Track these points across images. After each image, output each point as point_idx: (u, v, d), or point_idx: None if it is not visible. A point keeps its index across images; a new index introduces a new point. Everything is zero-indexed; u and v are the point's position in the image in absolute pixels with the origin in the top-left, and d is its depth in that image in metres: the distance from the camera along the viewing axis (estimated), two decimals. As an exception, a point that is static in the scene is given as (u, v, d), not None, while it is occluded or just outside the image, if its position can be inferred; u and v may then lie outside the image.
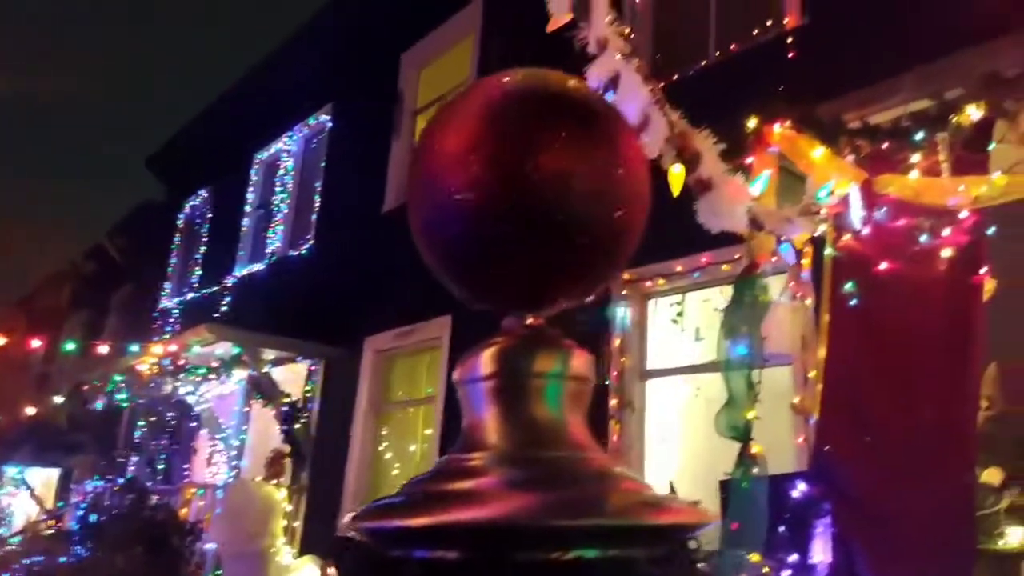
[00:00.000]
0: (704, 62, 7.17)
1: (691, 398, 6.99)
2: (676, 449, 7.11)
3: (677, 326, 7.07)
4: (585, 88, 0.88)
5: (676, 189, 2.38)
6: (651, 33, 7.94)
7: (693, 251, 6.42)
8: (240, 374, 10.61)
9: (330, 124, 11.83)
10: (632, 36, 6.84)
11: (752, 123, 4.44)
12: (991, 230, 3.89)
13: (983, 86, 3.64)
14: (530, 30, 2.43)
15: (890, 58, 4.13)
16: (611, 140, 0.88)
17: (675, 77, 7.30)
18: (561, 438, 1.01)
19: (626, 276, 7.21)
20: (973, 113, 3.70)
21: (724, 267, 6.13)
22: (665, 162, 2.36)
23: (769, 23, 6.63)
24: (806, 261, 4.60)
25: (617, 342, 7.18)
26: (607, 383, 6.99)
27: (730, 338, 4.31)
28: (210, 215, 15.00)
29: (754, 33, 6.74)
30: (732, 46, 6.96)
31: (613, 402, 7.04)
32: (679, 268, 6.77)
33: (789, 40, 6.10)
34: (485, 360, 1.03)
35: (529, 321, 1.04)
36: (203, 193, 15.35)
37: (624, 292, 7.26)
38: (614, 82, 1.99)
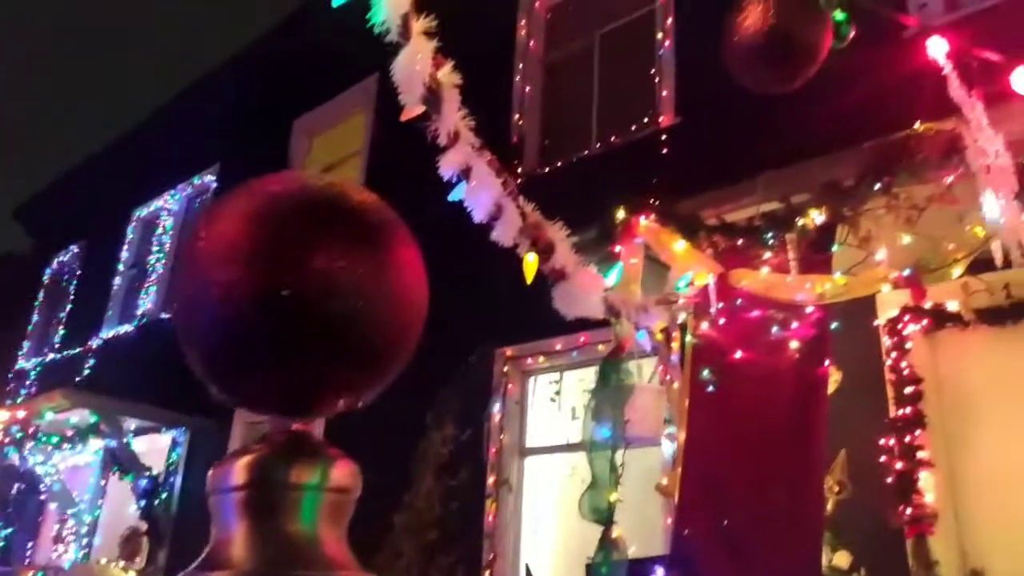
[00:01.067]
0: (587, 151, 7.51)
1: (567, 477, 7.02)
2: (552, 529, 7.08)
3: (555, 404, 7.15)
4: (362, 194, 0.89)
5: (529, 276, 2.44)
6: (539, 121, 8.28)
7: (572, 330, 6.56)
8: (97, 444, 9.87)
9: (215, 184, 11.55)
10: (521, 123, 7.09)
11: (621, 214, 4.66)
12: (834, 325, 4.17)
13: (824, 193, 3.97)
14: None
15: (746, 162, 4.45)
16: (385, 246, 0.89)
17: (559, 164, 7.63)
18: (315, 556, 0.97)
19: (508, 352, 7.30)
20: (816, 217, 4.01)
21: (600, 347, 6.28)
22: (520, 251, 2.42)
23: (646, 120, 7.05)
24: (676, 344, 4.80)
25: (497, 418, 7.18)
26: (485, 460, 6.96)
27: (595, 420, 4.39)
28: (79, 271, 14.15)
29: (632, 128, 7.14)
30: (612, 138, 7.33)
31: (491, 480, 6.99)
32: (559, 346, 6.90)
33: (663, 137, 6.50)
34: (237, 469, 0.98)
35: (294, 427, 1.01)
36: (74, 248, 14.51)
37: (505, 369, 7.32)
38: (466, 173, 2.05)
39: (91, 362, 12.10)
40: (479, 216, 2.15)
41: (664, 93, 6.96)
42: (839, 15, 2.72)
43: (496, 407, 7.13)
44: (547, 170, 7.77)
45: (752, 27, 2.53)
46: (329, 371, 0.90)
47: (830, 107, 4.27)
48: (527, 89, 8.33)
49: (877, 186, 3.85)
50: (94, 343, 12.30)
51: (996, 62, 3.01)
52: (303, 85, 10.46)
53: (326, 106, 10.18)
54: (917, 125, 3.71)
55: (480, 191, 2.07)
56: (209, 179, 11.77)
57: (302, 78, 10.44)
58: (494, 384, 7.23)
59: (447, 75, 1.87)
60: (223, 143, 11.40)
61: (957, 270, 3.83)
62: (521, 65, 8.41)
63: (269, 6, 9.96)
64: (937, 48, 3.03)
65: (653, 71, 7.19)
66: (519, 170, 7.91)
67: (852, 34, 2.76)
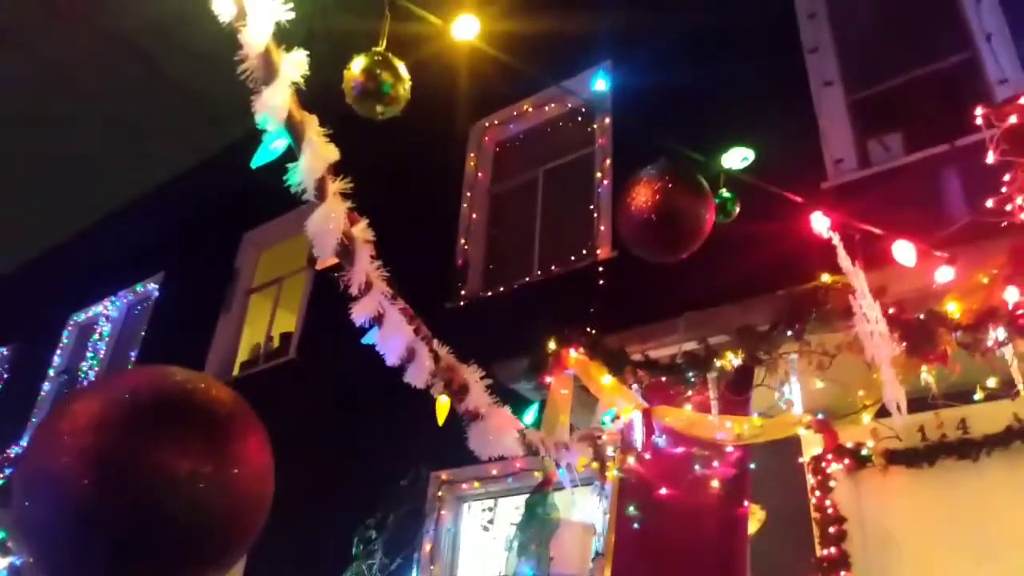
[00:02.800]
0: (528, 278, 7.73)
1: (498, 612, 6.78)
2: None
3: (488, 533, 6.99)
4: (208, 389, 0.94)
5: (441, 418, 2.49)
6: (484, 247, 8.54)
7: (508, 456, 6.53)
8: (3, 562, 9.20)
9: (157, 293, 11.45)
10: (466, 247, 7.29)
11: (553, 345, 4.79)
12: (754, 465, 4.26)
13: (740, 336, 4.16)
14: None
15: (670, 301, 4.65)
16: (231, 442, 0.94)
17: (501, 289, 7.82)
18: None
19: (443, 476, 7.18)
20: (734, 359, 4.18)
21: (537, 474, 6.24)
22: (433, 391, 2.48)
23: (584, 252, 7.33)
24: (611, 474, 4.82)
25: (428, 547, 6.97)
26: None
27: (520, 555, 4.33)
28: (6, 375, 13.63)
29: (571, 259, 7.40)
30: (553, 267, 7.58)
31: (421, 614, 6.71)
32: (494, 472, 6.81)
33: (599, 270, 6.75)
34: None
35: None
36: (2, 351, 14.03)
37: (440, 494, 7.17)
38: (378, 320, 2.14)
39: (7, 471, 11.44)
40: (391, 360, 2.22)
41: (602, 228, 7.28)
42: (725, 194, 2.98)
43: (428, 535, 6.94)
44: (490, 294, 7.94)
45: (642, 204, 2.75)
46: (168, 568, 0.91)
47: (746, 256, 4.55)
48: (474, 216, 8.63)
49: (789, 332, 4.05)
50: (13, 451, 11.68)
51: (879, 234, 3.29)
52: (255, 199, 10.62)
53: (276, 221, 10.33)
54: (824, 277, 3.97)
55: (391, 337, 2.15)
56: (152, 287, 11.67)
57: (255, 192, 10.62)
58: (427, 509, 7.07)
59: (361, 231, 1.99)
60: (169, 251, 11.41)
61: (866, 416, 3.99)
62: (469, 194, 8.74)
63: (232, 121, 10.23)
64: (820, 223, 3.31)
65: (592, 207, 7.54)
66: (462, 292, 8.09)
67: (738, 211, 3.01)
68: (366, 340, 2.23)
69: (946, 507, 5.57)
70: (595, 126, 7.86)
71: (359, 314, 2.08)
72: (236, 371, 10.04)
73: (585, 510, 4.83)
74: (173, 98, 10.46)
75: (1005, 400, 4.11)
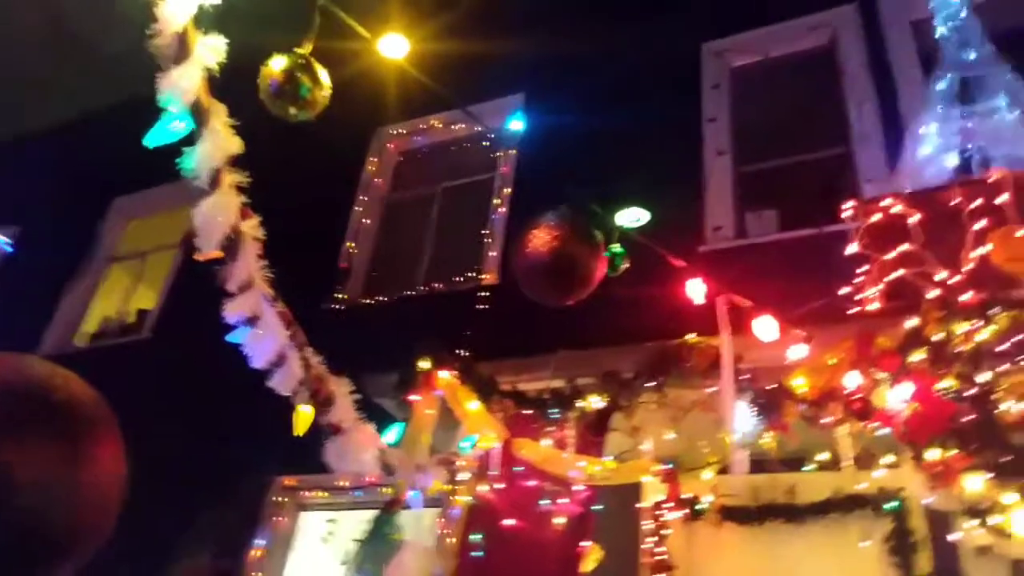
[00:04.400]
0: (411, 292, 7.68)
1: (325, 628, 6.60)
2: None
3: (327, 546, 6.81)
4: (76, 388, 0.90)
5: (300, 429, 2.43)
6: (371, 253, 8.43)
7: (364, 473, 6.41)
8: None
9: (10, 250, 10.56)
10: (353, 251, 7.16)
11: (425, 363, 4.77)
12: (599, 507, 4.40)
13: (605, 381, 4.31)
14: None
15: (546, 337, 4.76)
16: (78, 440, 0.90)
17: (382, 298, 7.73)
18: None
19: (288, 482, 6.96)
20: (596, 401, 4.32)
21: (387, 491, 6.16)
22: (297, 400, 2.42)
23: (471, 274, 7.38)
24: (461, 499, 4.83)
25: (258, 553, 6.71)
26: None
27: (356, 573, 4.25)
28: None
29: (457, 279, 7.43)
30: (437, 284, 7.58)
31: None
32: (342, 482, 6.66)
33: (482, 294, 6.79)
34: None
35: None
36: None
37: (280, 499, 6.94)
38: (252, 321, 2.07)
39: None
40: (257, 363, 2.15)
41: (492, 254, 7.36)
42: (616, 249, 3.12)
43: (261, 540, 6.68)
44: (369, 302, 7.83)
45: (539, 247, 2.84)
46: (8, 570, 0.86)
47: (623, 306, 4.72)
48: (365, 221, 8.51)
49: (651, 383, 4.24)
50: None
51: (749, 303, 3.53)
52: (133, 165, 10.02)
53: (152, 191, 9.76)
54: (690, 336, 4.18)
55: (264, 339, 2.09)
56: (3, 240, 10.73)
57: (135, 158, 10.03)
58: (264, 513, 6.81)
59: (250, 227, 1.93)
60: (32, 205, 10.53)
61: (708, 472, 4.21)
62: (364, 198, 8.62)
63: (125, 85, 9.62)
64: (696, 289, 3.52)
65: (486, 231, 7.61)
66: (342, 296, 7.94)
67: (626, 266, 3.16)
68: (233, 338, 2.15)
69: (770, 565, 5.95)
70: (500, 154, 7.97)
71: (233, 312, 2.00)
72: (83, 341, 9.37)
73: (429, 533, 4.82)
74: (67, 50, 9.75)
75: (831, 472, 4.44)
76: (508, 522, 4.35)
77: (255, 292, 2.02)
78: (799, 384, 3.93)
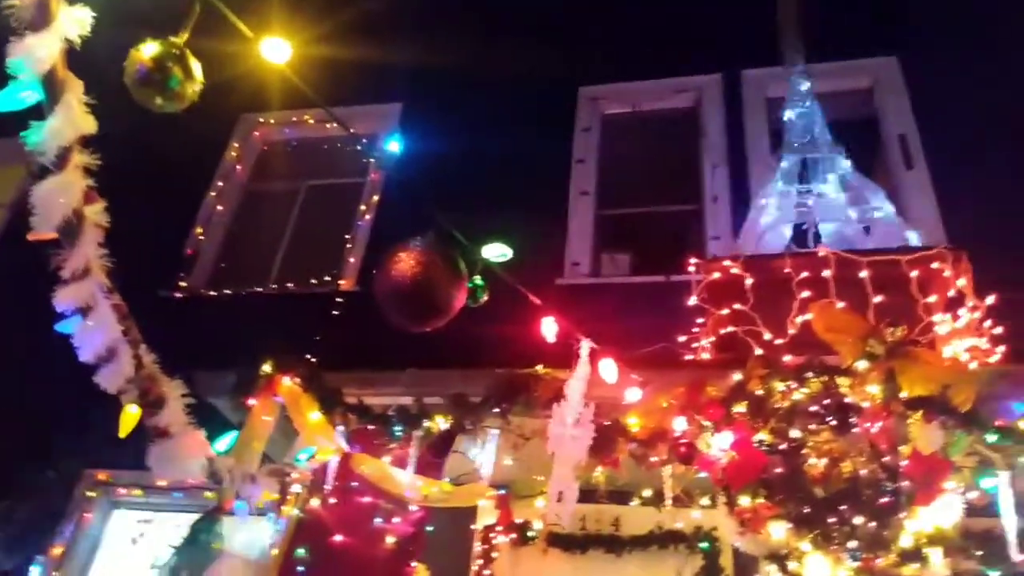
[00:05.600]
0: (261, 289, 7.38)
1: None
2: None
3: (137, 547, 6.36)
4: None
5: (125, 430, 2.28)
6: (222, 243, 8.03)
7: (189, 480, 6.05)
8: None
9: None
10: (201, 238, 6.81)
11: (268, 367, 4.59)
12: (430, 528, 4.40)
13: (453, 402, 4.33)
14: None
15: (397, 353, 4.71)
16: None
17: (228, 292, 7.37)
18: None
19: (100, 476, 6.45)
20: (442, 423, 4.33)
21: (211, 496, 5.84)
22: (124, 399, 2.27)
23: (328, 278, 7.19)
24: (290, 511, 4.65)
25: (58, 551, 6.16)
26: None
27: (167, 581, 4.02)
28: None
29: (312, 281, 7.22)
30: (290, 284, 7.33)
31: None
32: (162, 482, 6.24)
33: (338, 300, 6.64)
34: None
35: None
36: None
37: (89, 494, 6.41)
38: (84, 312, 1.92)
39: None
40: (85, 356, 1.99)
41: (351, 260, 7.22)
42: (478, 281, 3.18)
43: (62, 537, 6.15)
44: (213, 294, 7.44)
45: (403, 271, 2.84)
46: None
47: (478, 329, 4.77)
48: (219, 208, 8.11)
49: (497, 409, 4.31)
50: None
51: (592, 345, 3.69)
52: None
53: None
54: (539, 368, 4.29)
55: (96, 332, 1.94)
56: None
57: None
58: (69, 509, 6.27)
59: (94, 212, 1.80)
60: None
61: (541, 500, 4.32)
62: (221, 184, 8.22)
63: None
64: (548, 328, 3.64)
65: (348, 236, 7.47)
66: (183, 284, 7.49)
67: (486, 299, 3.22)
68: (61, 327, 1.99)
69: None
70: (372, 160, 7.87)
71: (64, 300, 1.85)
72: None
73: (252, 543, 4.61)
74: None
75: (653, 509, 4.69)
76: (337, 538, 4.25)
77: (90, 281, 1.88)
78: (632, 423, 4.13)
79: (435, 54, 8.01)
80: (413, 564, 4.34)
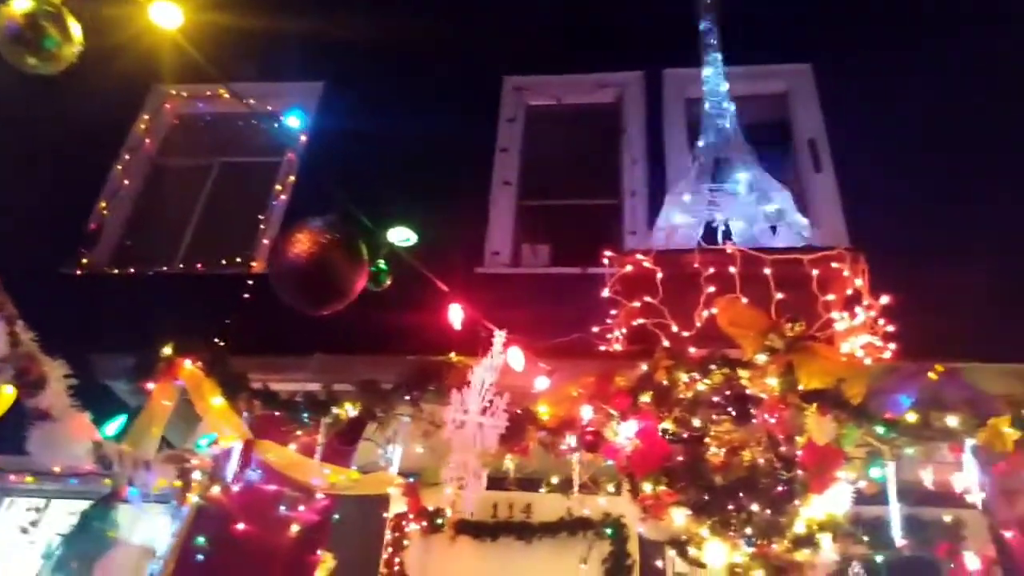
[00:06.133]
0: (166, 268, 7.10)
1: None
2: None
3: (27, 537, 6.04)
4: None
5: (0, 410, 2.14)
6: (128, 218, 7.69)
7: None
8: None
9: None
10: (105, 212, 6.48)
11: (168, 350, 4.42)
12: (337, 517, 4.33)
13: (363, 389, 4.26)
14: None
15: (306, 339, 4.61)
16: None
17: (131, 270, 7.07)
18: None
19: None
20: (351, 409, 4.26)
21: (106, 482, 5.59)
22: None
23: (239, 259, 6.97)
24: (190, 499, 4.49)
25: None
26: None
27: (57, 569, 3.83)
28: None
29: (222, 262, 6.98)
30: (199, 264, 7.07)
31: None
32: (56, 468, 5.94)
33: (248, 282, 6.43)
34: None
35: None
36: None
37: (-25, 480, 6.05)
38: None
39: None
40: (-46, 333, 1.86)
41: (265, 241, 7.02)
42: (382, 265, 3.13)
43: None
44: (116, 271, 7.11)
45: (300, 251, 2.76)
46: None
47: (390, 316, 4.72)
48: (126, 182, 7.75)
49: (408, 396, 4.27)
50: None
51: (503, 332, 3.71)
52: None
53: None
54: (451, 355, 4.27)
55: (-35, 307, 1.81)
56: None
57: None
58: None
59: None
60: None
61: (449, 488, 4.31)
62: (128, 157, 7.85)
63: None
64: (455, 315, 3.63)
65: (262, 217, 7.25)
66: (85, 261, 7.13)
67: (389, 283, 3.17)
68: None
69: (499, 578, 6.22)
70: (288, 138, 7.64)
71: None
72: None
73: (149, 531, 4.44)
74: None
75: (562, 496, 4.75)
76: (238, 527, 4.13)
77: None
78: (542, 412, 4.17)
79: (361, 34, 7.85)
80: (318, 553, 4.26)
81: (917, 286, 4.72)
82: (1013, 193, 6.05)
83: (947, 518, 5.10)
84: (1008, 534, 4.38)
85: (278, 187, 7.35)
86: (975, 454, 3.85)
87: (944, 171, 6.31)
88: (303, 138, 7.46)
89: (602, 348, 5.11)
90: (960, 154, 6.40)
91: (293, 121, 2.70)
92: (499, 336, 3.77)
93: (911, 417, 3.77)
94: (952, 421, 3.79)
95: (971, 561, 4.96)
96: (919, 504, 4.60)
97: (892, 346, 4.48)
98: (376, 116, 7.22)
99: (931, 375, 3.96)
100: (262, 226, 7.18)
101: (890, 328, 4.50)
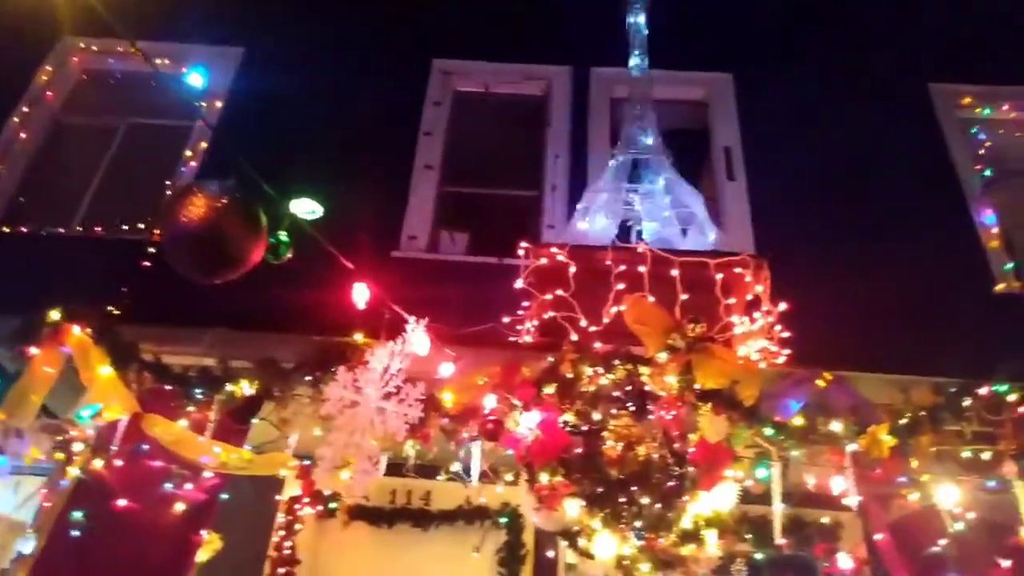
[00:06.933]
0: (63, 229, 6.72)
1: None
2: None
3: None
4: None
5: None
6: (23, 174, 7.24)
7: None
8: None
9: None
10: (3, 169, 6.05)
11: (56, 315, 4.19)
12: (225, 495, 4.20)
13: (262, 367, 4.14)
14: None
15: (204, 311, 4.44)
16: None
17: (23, 230, 6.66)
18: None
19: None
20: (247, 387, 4.13)
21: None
22: None
23: (141, 225, 6.64)
24: (70, 473, 4.26)
25: None
26: None
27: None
28: None
29: (123, 227, 6.65)
30: (98, 228, 6.71)
31: None
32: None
33: (149, 249, 6.13)
34: None
35: None
36: None
37: None
38: None
39: None
40: None
41: (171, 208, 6.72)
42: (283, 237, 3.02)
43: None
44: (7, 230, 6.68)
45: (191, 216, 2.65)
46: None
47: (297, 294, 4.59)
48: (23, 136, 7.28)
49: (309, 377, 4.17)
50: None
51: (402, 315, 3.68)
52: None
53: None
54: (357, 337, 4.20)
55: None
56: None
57: None
58: None
59: None
60: None
61: (346, 472, 4.24)
62: (27, 109, 7.38)
63: None
64: (359, 294, 3.57)
65: (169, 183, 6.94)
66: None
67: (289, 256, 3.07)
68: None
69: (393, 566, 6.18)
70: (204, 104, 7.33)
71: None
72: None
73: (18, 502, 4.21)
74: None
75: (461, 484, 4.74)
76: (119, 503, 3.94)
77: None
78: (446, 399, 4.15)
79: (285, 3, 7.61)
80: (203, 533, 4.12)
81: (814, 296, 4.93)
82: (908, 214, 6.40)
83: (825, 520, 5.37)
84: (879, 536, 4.64)
85: (188, 153, 7.04)
86: (854, 459, 4.05)
87: (848, 188, 6.61)
88: (218, 104, 7.19)
89: (512, 339, 5.12)
90: (864, 174, 6.71)
91: (195, 79, 2.54)
92: (412, 323, 3.73)
93: (798, 421, 3.93)
94: (836, 427, 3.98)
95: (844, 561, 5.23)
96: (801, 505, 4.82)
97: (786, 352, 4.65)
98: (297, 88, 7.02)
99: (820, 382, 4.15)
100: (168, 192, 6.86)
101: (786, 335, 4.67)
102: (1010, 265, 6.45)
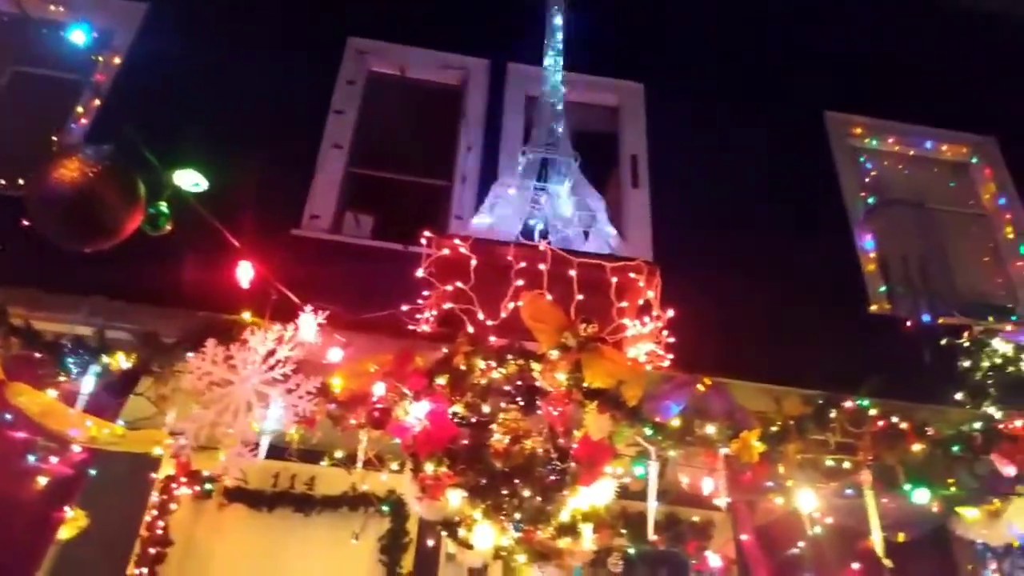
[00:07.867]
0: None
1: None
2: None
3: None
4: None
5: None
6: None
7: None
8: None
9: None
10: None
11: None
12: (93, 472, 4.01)
13: (142, 341, 3.96)
14: None
15: (84, 278, 4.21)
16: None
17: None
18: None
19: None
20: (124, 360, 3.94)
21: None
22: None
23: (22, 182, 6.22)
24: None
25: None
26: None
27: None
28: None
29: (18, 181, 6.22)
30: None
31: None
32: None
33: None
34: None
35: None
36: None
37: None
38: None
39: None
40: None
41: (57, 165, 6.32)
42: (163, 208, 2.91)
43: None
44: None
45: (64, 180, 2.51)
46: None
47: (184, 266, 4.43)
48: None
49: (191, 354, 4.01)
50: None
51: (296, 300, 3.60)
52: None
53: None
54: (246, 315, 4.08)
55: None
56: None
57: None
58: None
59: None
60: None
61: (223, 455, 4.12)
62: None
63: None
64: (244, 272, 3.49)
65: (55, 139, 6.52)
66: None
67: (168, 228, 2.96)
68: None
69: (271, 549, 6.06)
70: (101, 58, 6.93)
71: None
72: None
73: None
74: None
75: (345, 471, 4.70)
76: (-26, 475, 3.71)
77: None
78: (335, 384, 4.09)
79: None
80: (66, 510, 3.92)
81: (701, 305, 5.14)
82: (795, 232, 6.76)
83: (696, 518, 5.62)
84: (745, 537, 4.90)
85: (79, 109, 6.65)
86: (726, 462, 4.25)
87: (742, 204, 6.91)
88: (116, 60, 6.81)
89: (410, 327, 5.10)
90: (759, 190, 7.03)
91: (78, 35, 2.40)
92: (306, 311, 3.65)
93: (676, 422, 4.08)
94: (711, 430, 4.16)
95: (713, 559, 5.50)
96: (675, 503, 5.02)
97: (671, 356, 4.83)
98: (203, 53, 6.73)
99: (700, 387, 4.32)
100: (54, 149, 6.45)
101: (672, 340, 4.85)
102: (884, 288, 6.92)
